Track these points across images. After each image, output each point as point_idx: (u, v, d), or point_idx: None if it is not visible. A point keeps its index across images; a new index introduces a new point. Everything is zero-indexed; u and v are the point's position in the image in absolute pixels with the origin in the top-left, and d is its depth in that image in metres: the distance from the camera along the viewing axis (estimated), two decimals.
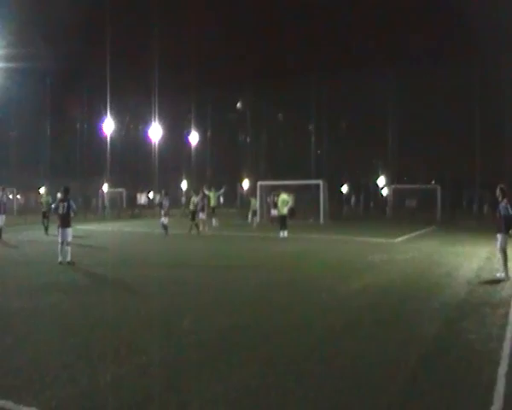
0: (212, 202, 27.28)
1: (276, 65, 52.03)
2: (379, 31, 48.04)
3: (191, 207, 23.36)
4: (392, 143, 46.37)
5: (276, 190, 29.32)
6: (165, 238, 21.26)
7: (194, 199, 23.68)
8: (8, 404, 4.53)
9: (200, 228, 23.54)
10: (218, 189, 29.09)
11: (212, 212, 27.33)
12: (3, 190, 21.02)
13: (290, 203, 22.48)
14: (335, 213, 34.07)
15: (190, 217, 23.14)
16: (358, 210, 46.33)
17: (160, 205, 23.29)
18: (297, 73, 47.82)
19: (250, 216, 29.43)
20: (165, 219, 22.08)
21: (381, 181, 52.31)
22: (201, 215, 24.51)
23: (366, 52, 49.01)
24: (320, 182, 32.48)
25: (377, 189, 52.55)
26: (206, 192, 26.38)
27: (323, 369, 5.54)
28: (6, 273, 12.13)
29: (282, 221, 21.75)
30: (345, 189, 54.98)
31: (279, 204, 22.30)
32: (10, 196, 44.57)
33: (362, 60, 45.73)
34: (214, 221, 27.03)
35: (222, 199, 28.47)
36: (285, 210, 21.85)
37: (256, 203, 30.17)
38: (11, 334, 6.84)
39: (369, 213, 44.21)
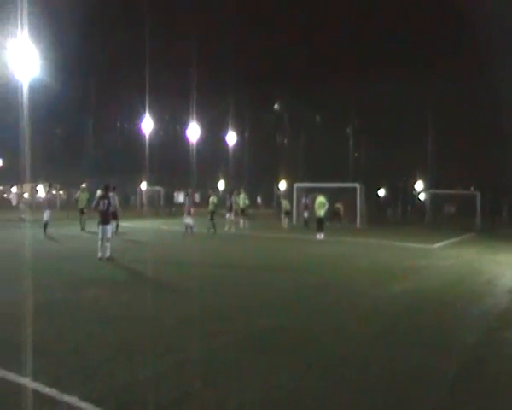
0: (241, 204, 27.22)
1: (315, 66, 51.85)
2: (420, 35, 47.32)
3: (210, 207, 23.63)
4: (432, 148, 45.52)
5: (313, 193, 29.27)
6: (185, 237, 21.47)
7: (214, 199, 24.14)
8: (53, 392, 4.69)
9: (226, 228, 24.25)
10: (245, 192, 29.05)
11: (241, 213, 27.33)
12: (50, 186, 21.64)
13: (327, 206, 22.36)
14: (372, 217, 33.64)
15: (209, 217, 23.31)
16: (396, 215, 45.63)
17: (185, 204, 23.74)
18: (336, 74, 47.54)
19: (283, 217, 29.49)
20: (187, 219, 22.22)
21: (419, 186, 51.40)
22: (229, 215, 24.93)
23: (407, 55, 48.30)
24: (357, 185, 32.20)
25: (415, 193, 51.68)
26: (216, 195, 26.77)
27: (360, 374, 5.50)
28: (50, 267, 12.51)
29: (318, 223, 21.68)
30: (382, 192, 54.26)
31: (316, 206, 22.22)
32: (54, 192, 45.87)
33: (402, 63, 45.10)
34: (242, 222, 26.94)
35: (247, 200, 28.25)
36: (322, 212, 21.76)
37: (288, 205, 30.00)
38: (55, 325, 7.06)
39: (407, 217, 43.50)
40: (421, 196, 48.82)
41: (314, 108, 52.87)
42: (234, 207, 26.68)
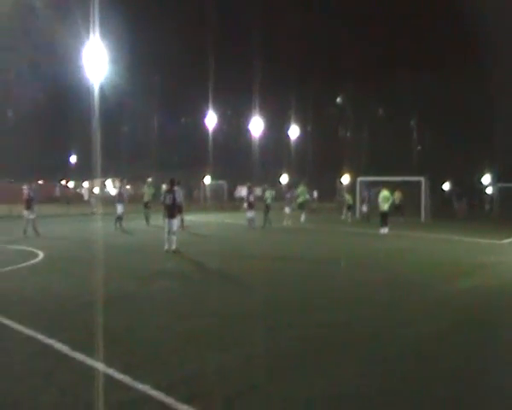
0: (301, 198, 27.07)
1: (378, 59, 50.72)
2: (484, 27, 45.13)
3: (267, 200, 23.76)
4: (500, 140, 43.45)
5: (376, 187, 28.69)
6: (248, 231, 21.62)
7: (268, 193, 24.35)
8: (126, 379, 4.90)
9: (284, 222, 24.51)
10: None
11: (301, 207, 27.13)
12: (122, 181, 22.47)
13: (391, 200, 21.89)
14: (437, 212, 32.64)
15: (265, 210, 23.31)
16: (462, 209, 43.92)
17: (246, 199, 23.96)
18: (398, 67, 46.30)
19: (345, 211, 29.20)
20: (249, 213, 22.41)
21: (487, 179, 49.28)
22: (287, 209, 25.03)
23: (470, 46, 46.29)
24: (422, 179, 31.34)
25: (482, 187, 49.61)
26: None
27: (428, 370, 5.37)
28: (120, 259, 13.05)
29: (383, 218, 21.33)
30: (447, 186, 52.44)
31: (380, 200, 21.84)
32: (128, 187, 47.72)
33: (466, 54, 43.28)
34: (302, 216, 26.67)
35: (307, 194, 28.18)
36: (386, 206, 21.38)
37: (350, 199, 29.66)
38: (127, 316, 7.36)
39: (474, 212, 41.83)
40: (489, 190, 46.82)
41: (377, 100, 51.83)
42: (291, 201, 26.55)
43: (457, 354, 5.94)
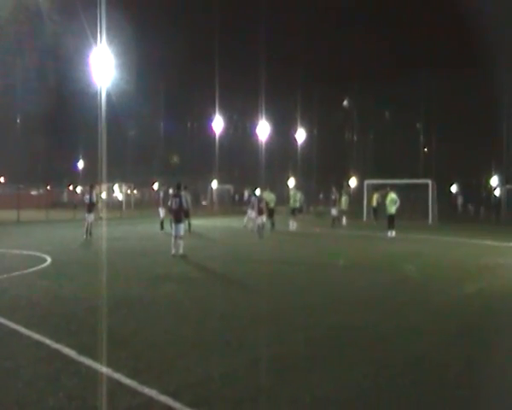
0: (292, 203, 25.75)
1: (383, 62, 50.68)
2: (490, 27, 44.98)
3: (271, 204, 23.64)
4: (508, 141, 43.16)
5: (384, 189, 28.57)
6: (255, 236, 20.58)
7: (266, 194, 23.82)
8: (133, 383, 4.90)
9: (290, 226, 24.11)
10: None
11: (292, 213, 25.69)
12: (163, 185, 22.44)
13: (398, 202, 21.79)
14: (444, 214, 32.52)
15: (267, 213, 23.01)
16: (467, 211, 43.73)
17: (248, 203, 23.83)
18: (405, 69, 46.23)
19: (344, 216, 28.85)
20: (259, 219, 20.85)
21: (494, 181, 48.98)
22: (334, 211, 25.32)
23: (476, 47, 46.12)
24: (429, 182, 31.29)
25: (490, 189, 49.25)
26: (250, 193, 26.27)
27: (438, 375, 5.33)
28: (127, 263, 13.06)
29: (390, 221, 21.28)
30: (454, 189, 52.16)
31: (387, 203, 21.82)
32: (128, 192, 47.79)
33: (472, 55, 43.11)
34: (291, 222, 25.08)
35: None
36: (393, 209, 21.33)
37: (348, 201, 28.92)
38: (134, 320, 7.37)
39: (481, 214, 41.60)
40: (497, 192, 46.50)
41: (383, 103, 51.71)
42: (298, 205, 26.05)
43: (465, 360, 5.90)
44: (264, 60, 47.51)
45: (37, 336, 6.37)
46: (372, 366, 5.57)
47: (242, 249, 16.92)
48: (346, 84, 50.57)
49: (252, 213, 23.32)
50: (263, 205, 21.55)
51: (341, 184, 47.75)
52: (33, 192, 51.35)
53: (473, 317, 7.84)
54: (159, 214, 22.65)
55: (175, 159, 55.59)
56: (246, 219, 24.37)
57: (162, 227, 21.94)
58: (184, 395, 4.65)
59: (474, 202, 44.49)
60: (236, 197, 48.32)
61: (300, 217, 26.05)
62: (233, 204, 47.04)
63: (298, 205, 25.05)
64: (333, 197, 27.23)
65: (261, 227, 20.53)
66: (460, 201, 45.87)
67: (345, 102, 56.88)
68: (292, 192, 26.74)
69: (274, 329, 6.88)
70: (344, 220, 27.75)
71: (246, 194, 26.72)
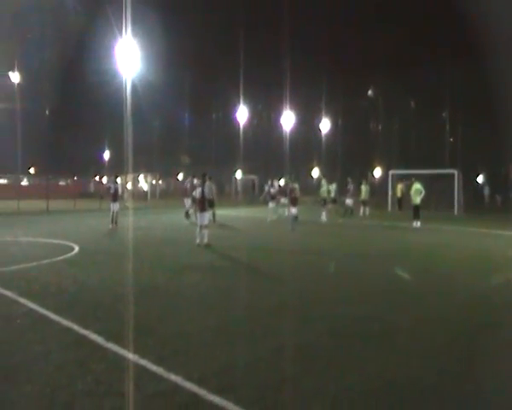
0: (325, 193, 26.06)
1: (408, 51, 49.81)
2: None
3: (324, 195, 23.67)
4: None
5: (409, 180, 28.31)
6: (279, 225, 21.31)
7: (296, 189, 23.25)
8: (159, 370, 4.99)
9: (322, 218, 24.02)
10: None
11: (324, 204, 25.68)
12: (194, 176, 22.76)
13: (423, 193, 21.52)
14: (470, 205, 32.02)
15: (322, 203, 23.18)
16: (494, 201, 42.90)
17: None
18: (430, 58, 45.40)
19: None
20: (293, 209, 21.30)
21: None
22: (347, 201, 24.80)
23: (502, 35, 44.94)
24: (455, 172, 30.80)
25: None
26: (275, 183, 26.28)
27: (462, 367, 5.29)
28: (153, 252, 13.21)
29: (415, 211, 21.08)
30: (481, 179, 51.22)
31: (412, 193, 21.61)
32: (153, 182, 48.27)
33: (498, 43, 42.03)
34: (323, 215, 24.78)
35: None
36: (418, 200, 21.14)
37: (368, 191, 28.57)
38: (159, 308, 7.48)
39: (509, 205, 40.80)
40: None
41: (408, 92, 50.95)
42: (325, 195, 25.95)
43: (492, 351, 5.84)
44: (288, 50, 47.23)
45: (65, 322, 6.53)
46: (395, 356, 5.55)
47: (266, 239, 16.94)
48: (371, 74, 50.00)
49: (271, 204, 23.68)
50: (295, 195, 21.62)
51: (366, 175, 47.43)
52: (61, 183, 52.33)
53: (499, 309, 7.72)
54: (184, 204, 22.90)
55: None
56: (270, 212, 24.29)
57: (187, 217, 22.17)
58: (209, 382, 4.70)
59: (502, 193, 43.64)
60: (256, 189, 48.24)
61: (330, 207, 25.88)
62: (257, 195, 47.05)
63: (333, 195, 24.97)
64: (348, 187, 27.25)
65: (294, 219, 20.64)
66: (487, 191, 45.00)
67: (370, 92, 56.24)
68: (323, 182, 26.32)
69: (298, 318, 6.90)
70: (367, 211, 27.56)
71: (268, 184, 26.53)
